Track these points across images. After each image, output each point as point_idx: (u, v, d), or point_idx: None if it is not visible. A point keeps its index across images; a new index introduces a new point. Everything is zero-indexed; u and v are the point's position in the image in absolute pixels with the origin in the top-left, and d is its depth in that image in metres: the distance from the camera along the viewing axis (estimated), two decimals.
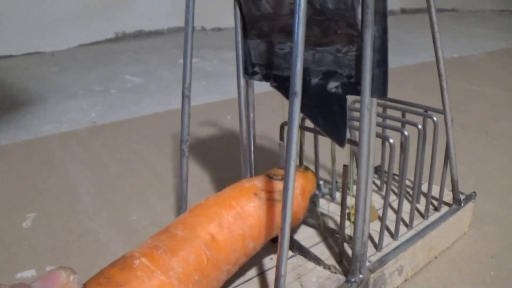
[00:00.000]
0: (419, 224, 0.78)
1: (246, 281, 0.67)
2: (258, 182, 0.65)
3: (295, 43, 0.47)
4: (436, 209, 0.82)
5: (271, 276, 0.67)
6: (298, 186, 0.68)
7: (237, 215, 0.61)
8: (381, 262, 0.68)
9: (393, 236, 0.74)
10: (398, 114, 0.80)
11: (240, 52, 0.67)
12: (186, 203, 0.68)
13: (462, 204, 0.82)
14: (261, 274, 0.68)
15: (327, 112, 0.61)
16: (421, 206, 0.82)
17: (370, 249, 0.71)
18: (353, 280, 0.64)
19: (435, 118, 0.74)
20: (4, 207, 1.01)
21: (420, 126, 0.70)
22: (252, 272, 0.68)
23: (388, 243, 0.73)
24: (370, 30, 0.53)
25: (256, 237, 0.62)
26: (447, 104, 0.73)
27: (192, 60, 0.63)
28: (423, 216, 0.79)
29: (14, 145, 1.35)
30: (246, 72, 0.69)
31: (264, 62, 0.67)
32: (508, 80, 1.98)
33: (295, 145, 0.49)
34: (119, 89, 1.95)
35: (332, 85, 0.60)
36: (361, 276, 0.64)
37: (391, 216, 0.79)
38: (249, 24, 0.66)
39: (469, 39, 3.03)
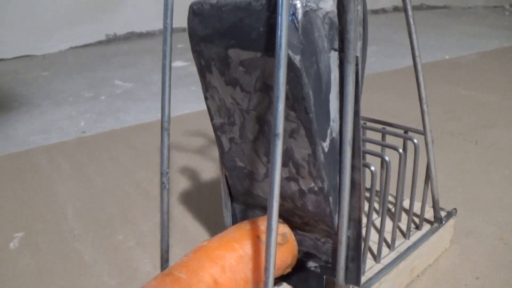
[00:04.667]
0: (401, 244, 0.78)
1: None
2: (261, 224, 0.65)
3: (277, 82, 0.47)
4: (418, 227, 0.82)
5: None
6: None
7: (239, 258, 0.61)
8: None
9: (376, 258, 0.74)
10: (379, 135, 0.80)
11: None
12: (168, 234, 0.68)
13: (443, 222, 0.82)
14: None
15: (306, 284, 0.68)
16: (403, 224, 0.82)
17: None
18: None
19: (415, 141, 0.73)
20: None
21: (401, 150, 0.70)
22: None
23: (371, 266, 0.73)
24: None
25: (259, 280, 0.62)
26: (428, 127, 0.73)
27: (170, 89, 0.62)
28: (405, 235, 0.79)
29: (2, 158, 1.34)
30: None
31: None
32: (498, 84, 1.97)
33: (277, 191, 0.49)
34: (109, 95, 1.94)
35: (312, 264, 0.67)
36: None
37: (373, 236, 0.79)
38: (235, 195, 0.72)
39: (461, 38, 3.03)
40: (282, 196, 0.63)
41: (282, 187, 0.62)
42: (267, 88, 0.55)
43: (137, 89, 2.01)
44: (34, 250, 0.92)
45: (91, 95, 1.95)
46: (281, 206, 0.65)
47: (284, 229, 0.66)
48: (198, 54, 0.61)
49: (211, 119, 0.66)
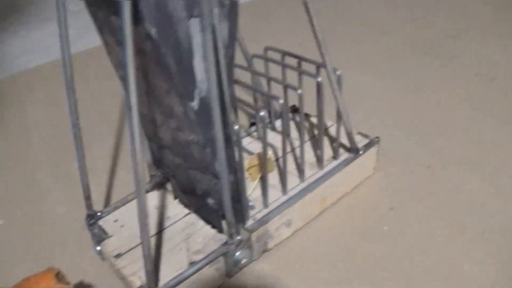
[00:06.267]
0: (313, 174, 0.83)
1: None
2: (33, 285, 0.64)
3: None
4: (335, 157, 0.86)
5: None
6: None
7: None
8: (262, 221, 0.75)
9: (282, 191, 0.80)
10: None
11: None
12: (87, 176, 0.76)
13: (361, 152, 0.86)
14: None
15: (208, 217, 0.76)
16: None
17: (259, 205, 0.77)
18: (231, 242, 0.71)
19: (319, 79, 0.75)
20: None
21: (299, 91, 0.73)
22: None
23: (277, 198, 0.79)
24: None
25: None
26: (329, 65, 0.76)
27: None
28: (320, 166, 0.84)
29: None
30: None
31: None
32: None
33: (140, 156, 0.55)
34: None
35: (210, 201, 0.73)
36: (239, 237, 0.71)
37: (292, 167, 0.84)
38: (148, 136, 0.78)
39: None
40: (178, 143, 0.68)
41: (175, 135, 0.68)
42: (141, 52, 0.60)
43: None
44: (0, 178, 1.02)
45: (77, 8, 1.97)
46: (178, 152, 0.71)
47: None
48: (93, 15, 0.65)
49: (116, 70, 0.71)
